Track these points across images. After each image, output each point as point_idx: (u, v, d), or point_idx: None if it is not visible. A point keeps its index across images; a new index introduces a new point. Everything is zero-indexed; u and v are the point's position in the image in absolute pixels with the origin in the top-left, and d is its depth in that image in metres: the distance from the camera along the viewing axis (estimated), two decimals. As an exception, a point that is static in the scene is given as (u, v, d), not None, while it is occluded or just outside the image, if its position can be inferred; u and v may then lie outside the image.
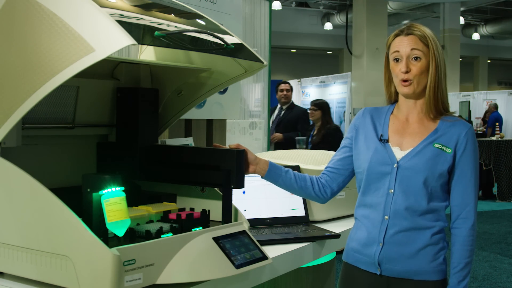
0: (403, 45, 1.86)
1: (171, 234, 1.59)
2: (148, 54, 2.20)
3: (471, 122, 14.55)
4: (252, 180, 2.41)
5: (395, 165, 1.87)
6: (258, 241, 1.75)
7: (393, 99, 2.00)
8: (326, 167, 2.06)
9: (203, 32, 1.80)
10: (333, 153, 2.78)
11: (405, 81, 1.86)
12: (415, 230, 1.86)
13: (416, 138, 1.89)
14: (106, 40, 1.36)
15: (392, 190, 1.87)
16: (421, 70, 1.85)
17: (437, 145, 1.86)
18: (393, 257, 1.87)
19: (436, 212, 1.87)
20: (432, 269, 1.86)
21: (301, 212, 2.45)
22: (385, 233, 1.87)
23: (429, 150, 1.85)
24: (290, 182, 1.97)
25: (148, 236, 1.58)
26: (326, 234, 2.23)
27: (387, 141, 1.92)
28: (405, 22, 18.98)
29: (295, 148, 6.08)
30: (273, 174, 1.93)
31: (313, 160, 2.61)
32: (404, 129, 1.93)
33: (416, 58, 1.85)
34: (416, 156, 1.86)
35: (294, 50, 21.87)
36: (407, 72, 1.85)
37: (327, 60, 22.42)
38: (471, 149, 1.86)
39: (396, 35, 1.90)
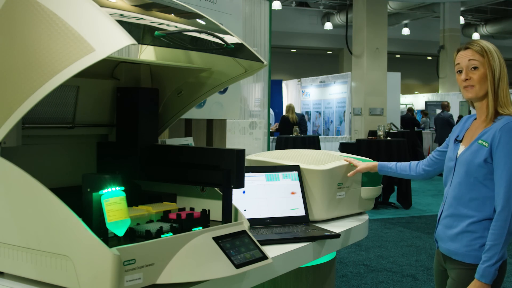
0: (462, 58, 2.19)
1: (171, 234, 1.59)
2: (148, 54, 2.20)
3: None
4: (252, 180, 2.42)
5: (455, 161, 2.23)
6: (258, 241, 1.75)
7: (472, 106, 2.30)
8: (431, 154, 2.51)
9: (203, 32, 1.80)
10: (333, 152, 2.80)
11: (466, 86, 2.19)
12: (456, 217, 2.19)
13: (474, 137, 2.20)
14: (106, 40, 1.36)
15: (451, 181, 2.24)
16: (480, 77, 2.16)
17: (480, 141, 2.15)
18: (442, 236, 2.27)
19: (481, 201, 2.14)
20: (466, 253, 2.15)
21: (301, 212, 2.45)
22: (440, 215, 2.28)
23: (474, 146, 2.17)
24: (394, 172, 2.57)
25: (148, 236, 1.58)
26: (326, 234, 2.23)
27: (460, 141, 2.27)
28: (405, 22, 19.00)
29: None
30: (384, 169, 2.58)
31: (313, 160, 2.61)
32: (472, 131, 2.25)
33: (474, 68, 2.16)
34: (466, 151, 2.19)
35: (294, 50, 21.88)
36: (466, 79, 2.17)
37: (327, 60, 22.43)
38: (505, 142, 2.08)
39: (458, 51, 2.24)
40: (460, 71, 2.20)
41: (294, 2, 18.49)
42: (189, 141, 2.93)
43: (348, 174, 2.56)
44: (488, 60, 2.15)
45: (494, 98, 2.15)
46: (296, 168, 2.52)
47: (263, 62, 1.96)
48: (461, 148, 2.24)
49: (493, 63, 2.15)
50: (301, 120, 12.74)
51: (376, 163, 2.60)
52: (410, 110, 16.24)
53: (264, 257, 1.69)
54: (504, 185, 2.07)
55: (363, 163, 2.60)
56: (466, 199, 2.16)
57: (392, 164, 2.59)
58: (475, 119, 2.29)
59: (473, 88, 2.17)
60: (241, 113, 4.78)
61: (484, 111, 2.20)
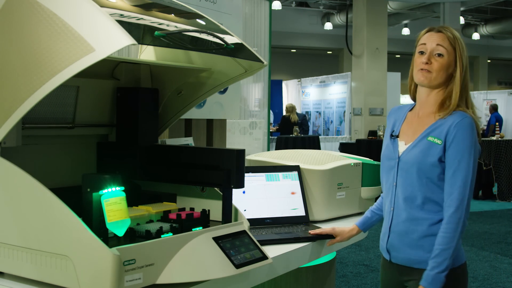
0: (430, 40, 1.97)
1: (171, 234, 1.59)
2: (148, 54, 2.20)
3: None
4: (252, 180, 2.41)
5: (397, 159, 2.01)
6: (258, 241, 1.75)
7: (413, 95, 2.10)
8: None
9: (203, 32, 1.80)
10: (333, 152, 2.80)
11: (423, 70, 1.96)
12: (412, 221, 1.97)
13: (417, 133, 2.00)
14: (106, 40, 1.36)
15: (395, 183, 2.02)
16: (441, 66, 1.95)
17: (430, 138, 1.95)
18: (397, 246, 2.02)
19: (436, 203, 1.94)
20: None
21: (301, 212, 2.45)
22: (390, 223, 2.04)
23: (422, 143, 1.96)
24: (377, 219, 2.25)
25: (148, 236, 1.58)
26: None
27: (397, 136, 2.05)
28: (405, 22, 18.97)
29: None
30: (367, 226, 2.25)
31: (313, 160, 2.61)
32: (413, 125, 2.04)
33: (439, 55, 1.95)
34: (412, 149, 1.98)
35: (294, 50, 21.87)
36: (427, 63, 1.95)
37: (327, 60, 22.41)
38: (460, 139, 1.89)
39: (428, 31, 2.01)
40: (423, 52, 1.97)
41: (294, 2, 18.48)
42: (189, 141, 2.93)
43: (327, 244, 2.20)
44: (460, 50, 1.95)
45: (460, 92, 1.94)
46: (296, 168, 2.52)
47: (263, 62, 1.96)
48: (401, 145, 2.02)
49: (463, 55, 1.96)
50: (303, 120, 12.75)
51: (355, 226, 2.23)
52: (410, 110, 16.20)
53: (264, 257, 1.69)
54: (458, 185, 1.88)
55: (346, 232, 2.21)
56: (419, 202, 1.94)
57: (368, 212, 2.26)
58: (410, 110, 2.09)
59: (430, 75, 1.95)
60: (241, 113, 4.78)
61: (433, 103, 1.99)
